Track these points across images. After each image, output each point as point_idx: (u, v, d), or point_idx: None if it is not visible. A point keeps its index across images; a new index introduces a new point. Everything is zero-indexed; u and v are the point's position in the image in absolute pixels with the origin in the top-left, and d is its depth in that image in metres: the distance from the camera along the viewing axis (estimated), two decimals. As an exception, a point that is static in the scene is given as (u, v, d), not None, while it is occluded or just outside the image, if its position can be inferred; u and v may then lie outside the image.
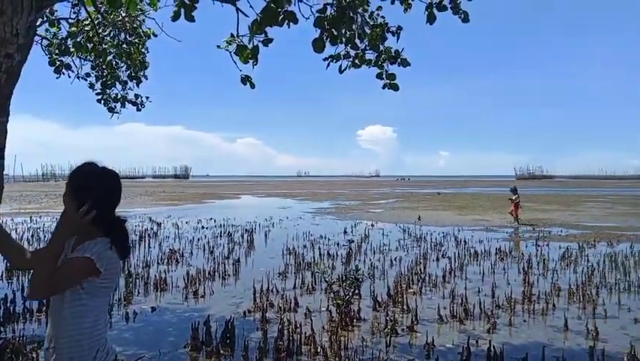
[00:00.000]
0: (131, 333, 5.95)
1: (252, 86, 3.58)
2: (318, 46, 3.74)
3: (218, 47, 3.37)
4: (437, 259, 10.85)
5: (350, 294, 6.29)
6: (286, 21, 4.27)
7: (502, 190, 57.72)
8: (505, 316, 6.50)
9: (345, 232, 15.79)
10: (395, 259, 10.81)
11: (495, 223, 18.87)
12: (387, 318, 6.19)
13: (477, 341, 5.44)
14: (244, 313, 6.68)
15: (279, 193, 50.44)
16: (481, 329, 6.02)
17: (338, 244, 13.00)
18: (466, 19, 4.04)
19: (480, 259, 10.81)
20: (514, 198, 19.21)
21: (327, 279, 6.57)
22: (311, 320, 6.19)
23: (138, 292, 7.82)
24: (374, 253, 11.68)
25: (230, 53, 3.39)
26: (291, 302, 6.97)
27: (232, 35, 3.37)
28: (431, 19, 3.97)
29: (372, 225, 18.43)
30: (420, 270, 9.33)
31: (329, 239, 14.08)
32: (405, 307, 6.82)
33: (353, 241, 11.81)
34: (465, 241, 13.44)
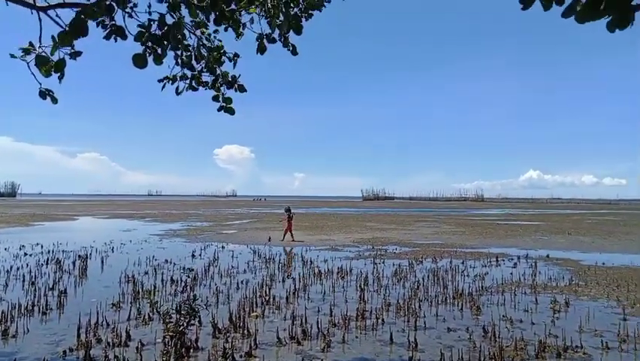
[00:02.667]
0: None
1: (54, 100, 3.22)
2: (138, 61, 3.55)
3: (12, 55, 2.95)
4: (283, 280, 11.02)
5: (185, 324, 6.00)
6: (113, 35, 4.04)
7: (349, 210, 61.71)
8: (340, 333, 6.82)
9: (193, 256, 15.22)
10: (242, 281, 10.71)
11: (339, 243, 19.94)
12: (226, 345, 6.05)
13: (311, 362, 5.61)
14: (64, 352, 5.95)
15: (124, 214, 46.74)
16: (317, 349, 6.22)
17: (184, 268, 12.42)
18: (294, 52, 4.24)
19: (323, 278, 11.27)
20: (288, 216, 21.09)
21: (159, 310, 6.19)
22: (140, 355, 5.75)
23: None
24: (221, 277, 11.42)
25: (27, 63, 2.99)
26: (122, 336, 6.41)
27: (30, 44, 2.99)
28: (261, 49, 4.08)
29: (222, 247, 18.06)
30: (265, 292, 9.38)
31: (175, 264, 13.40)
32: (246, 332, 6.75)
33: (193, 270, 11.39)
34: (311, 261, 13.92)
